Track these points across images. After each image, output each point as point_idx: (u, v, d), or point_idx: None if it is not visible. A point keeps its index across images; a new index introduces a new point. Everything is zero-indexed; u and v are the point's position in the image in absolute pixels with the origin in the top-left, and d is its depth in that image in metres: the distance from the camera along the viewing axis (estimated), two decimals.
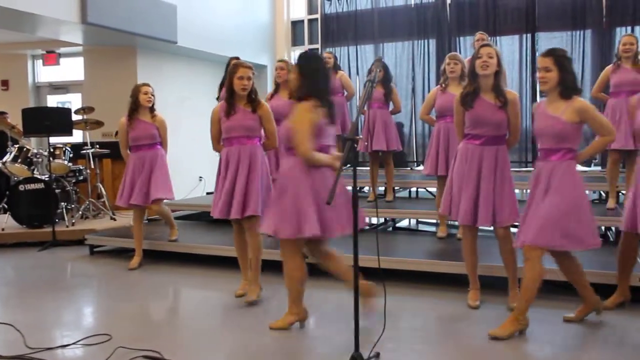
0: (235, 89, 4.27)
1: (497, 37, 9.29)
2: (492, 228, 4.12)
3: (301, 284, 3.79)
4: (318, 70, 3.64)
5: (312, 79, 3.59)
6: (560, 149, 3.53)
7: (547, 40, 9.16)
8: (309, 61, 3.69)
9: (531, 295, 3.53)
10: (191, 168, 9.12)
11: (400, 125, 9.55)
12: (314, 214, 3.49)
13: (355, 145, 2.90)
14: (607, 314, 3.94)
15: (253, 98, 4.34)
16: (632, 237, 3.92)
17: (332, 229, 3.57)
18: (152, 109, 5.57)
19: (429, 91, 9.73)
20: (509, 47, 9.36)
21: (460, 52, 9.53)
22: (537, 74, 3.59)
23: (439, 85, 5.46)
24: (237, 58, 5.80)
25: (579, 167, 8.35)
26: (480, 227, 4.12)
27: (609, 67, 5.74)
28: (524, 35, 9.25)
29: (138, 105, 5.50)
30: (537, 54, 9.17)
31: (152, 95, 5.55)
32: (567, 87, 3.51)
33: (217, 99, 6.26)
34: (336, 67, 7.32)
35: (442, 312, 4.16)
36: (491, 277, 4.39)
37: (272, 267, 4.65)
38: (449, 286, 4.62)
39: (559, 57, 3.51)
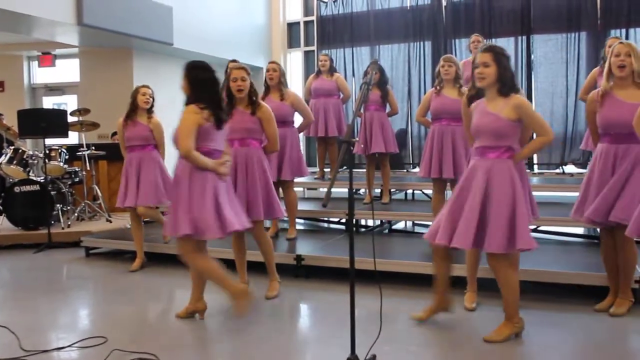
0: (232, 92, 4.34)
1: (493, 40, 9.29)
2: None
3: (219, 272, 3.82)
4: (206, 80, 3.79)
5: (199, 88, 3.76)
6: (499, 146, 3.47)
7: (542, 42, 9.20)
8: (196, 71, 3.82)
9: (516, 298, 3.55)
10: None
11: (403, 132, 9.58)
12: (185, 215, 3.67)
13: (352, 148, 2.90)
14: (603, 315, 3.95)
15: (253, 100, 4.39)
16: (605, 233, 3.99)
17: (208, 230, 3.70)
18: (149, 111, 5.58)
19: (424, 93, 9.75)
20: None
21: (455, 54, 9.55)
22: (475, 70, 3.54)
23: (434, 88, 5.47)
24: (235, 61, 5.77)
25: (574, 169, 8.42)
26: None
27: (596, 70, 5.73)
28: (519, 38, 9.28)
29: (136, 106, 5.52)
30: (532, 56, 9.23)
31: (151, 97, 5.56)
32: (506, 84, 3.47)
33: None
34: (332, 70, 7.34)
35: (439, 315, 4.16)
36: (487, 279, 4.39)
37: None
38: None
39: (497, 54, 3.47)
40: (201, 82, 3.77)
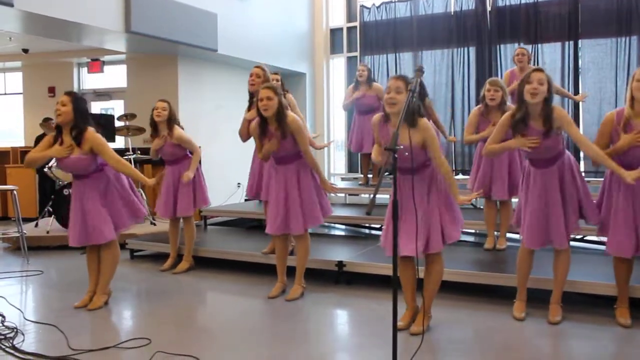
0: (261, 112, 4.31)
1: (539, 45, 9.16)
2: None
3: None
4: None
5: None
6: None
7: (591, 47, 8.97)
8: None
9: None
10: (229, 174, 9.21)
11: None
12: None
13: (396, 156, 2.88)
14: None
15: (280, 120, 4.30)
16: None
17: None
18: (170, 122, 5.53)
19: (468, 99, 9.64)
20: (551, 55, 9.20)
21: (500, 60, 9.43)
22: (386, 95, 3.59)
23: (479, 106, 5.38)
24: (259, 67, 5.49)
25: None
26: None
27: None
28: (567, 43, 9.07)
29: (153, 121, 5.58)
30: (579, 62, 9.01)
31: (164, 110, 5.51)
32: (413, 112, 3.52)
33: None
34: (370, 80, 7.12)
35: (484, 323, 4.08)
36: (536, 290, 4.31)
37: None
38: (483, 298, 4.56)
39: (409, 82, 3.51)
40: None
